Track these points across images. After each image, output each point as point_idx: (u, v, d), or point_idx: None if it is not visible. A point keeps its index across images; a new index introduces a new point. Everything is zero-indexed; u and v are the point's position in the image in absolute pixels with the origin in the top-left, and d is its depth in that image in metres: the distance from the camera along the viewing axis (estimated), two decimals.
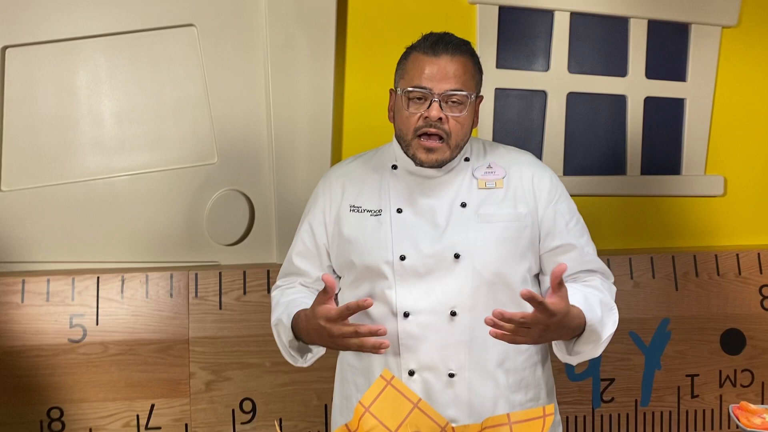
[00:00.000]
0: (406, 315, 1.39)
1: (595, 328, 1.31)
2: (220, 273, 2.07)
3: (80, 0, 2.08)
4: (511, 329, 1.21)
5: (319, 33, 2.12)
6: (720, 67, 2.36)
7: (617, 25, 2.31)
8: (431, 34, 1.43)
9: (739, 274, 2.24)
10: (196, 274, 2.05)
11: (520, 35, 2.27)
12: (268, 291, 2.05)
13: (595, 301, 1.36)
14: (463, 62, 1.40)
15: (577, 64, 2.30)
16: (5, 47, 2.08)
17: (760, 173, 2.40)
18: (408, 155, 1.44)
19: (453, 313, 1.38)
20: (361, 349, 1.27)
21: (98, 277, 2.03)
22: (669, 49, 2.34)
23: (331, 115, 2.15)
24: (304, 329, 1.35)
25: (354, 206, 1.48)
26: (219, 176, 2.17)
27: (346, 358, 1.52)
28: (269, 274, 2.07)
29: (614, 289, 1.45)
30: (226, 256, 2.18)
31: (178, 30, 2.13)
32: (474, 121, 1.46)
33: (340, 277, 1.52)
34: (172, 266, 2.13)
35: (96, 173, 2.15)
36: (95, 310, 2.01)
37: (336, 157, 2.21)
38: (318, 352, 1.46)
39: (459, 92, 1.38)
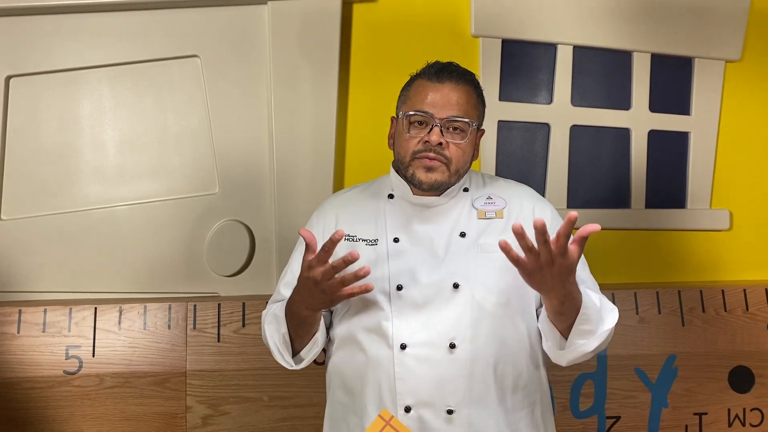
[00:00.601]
0: (402, 347, 1.35)
1: (590, 313, 1.27)
2: (219, 304, 2.04)
3: (84, 30, 2.09)
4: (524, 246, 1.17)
5: (322, 65, 2.13)
6: (724, 101, 2.35)
7: (620, 59, 2.31)
8: (436, 62, 1.43)
9: (747, 309, 2.20)
10: (195, 306, 2.03)
11: (523, 68, 2.27)
12: None
13: (595, 296, 1.33)
14: (467, 91, 1.40)
15: (580, 97, 2.30)
16: (9, 77, 2.09)
17: (766, 207, 2.38)
18: (407, 177, 1.41)
19: (452, 345, 1.34)
20: (351, 294, 1.25)
21: (96, 308, 2.00)
22: (673, 83, 2.34)
23: (334, 146, 2.15)
24: (297, 297, 1.33)
25: (349, 236, 1.45)
26: (220, 206, 2.16)
27: (336, 395, 1.47)
28: None
29: (615, 309, 1.39)
30: (225, 287, 2.16)
31: (182, 61, 2.14)
32: (474, 154, 1.45)
33: (332, 312, 1.49)
34: (170, 297, 2.10)
35: (96, 203, 2.14)
36: (92, 341, 1.98)
37: (338, 189, 2.19)
38: (310, 353, 1.42)
39: (460, 119, 1.37)
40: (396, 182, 1.48)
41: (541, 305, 1.43)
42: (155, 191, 2.15)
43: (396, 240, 1.42)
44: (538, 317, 1.43)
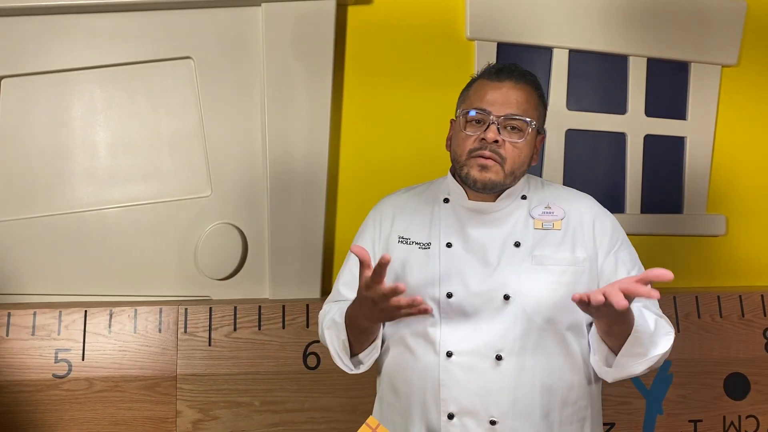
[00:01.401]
0: (449, 355, 1.33)
1: (642, 337, 1.24)
2: (210, 308, 2.02)
3: (76, 31, 2.08)
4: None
5: (317, 67, 2.11)
6: (720, 106, 2.34)
7: (616, 63, 2.30)
8: (499, 63, 1.42)
9: (743, 316, 2.19)
10: (186, 309, 2.01)
11: None
12: (259, 327, 2.01)
13: (650, 317, 1.31)
14: (527, 91, 1.37)
15: (575, 102, 2.29)
16: (0, 78, 2.07)
17: (762, 213, 2.37)
18: (462, 176, 1.38)
19: (498, 357, 1.32)
20: (409, 311, 1.22)
21: (86, 311, 1.98)
22: (669, 88, 2.33)
23: (327, 150, 2.13)
24: (358, 311, 1.31)
25: (403, 237, 1.43)
26: (212, 209, 2.14)
27: (385, 394, 1.46)
28: (260, 311, 2.03)
29: (672, 332, 1.36)
30: (217, 290, 2.14)
31: (175, 62, 2.12)
32: (534, 158, 1.42)
33: None
34: (161, 300, 2.09)
35: (87, 205, 2.12)
36: (81, 344, 1.96)
37: (331, 193, 2.18)
38: (369, 358, 1.41)
39: (519, 117, 1.34)
40: (452, 186, 1.45)
41: (592, 321, 1.39)
42: (147, 194, 2.14)
43: (449, 245, 1.39)
44: (588, 331, 1.40)
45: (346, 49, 2.19)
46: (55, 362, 1.94)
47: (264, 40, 2.10)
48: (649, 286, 1.15)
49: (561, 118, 2.27)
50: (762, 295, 2.21)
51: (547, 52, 2.26)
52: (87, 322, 1.97)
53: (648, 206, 2.33)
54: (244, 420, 1.98)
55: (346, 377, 1.41)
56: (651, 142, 2.32)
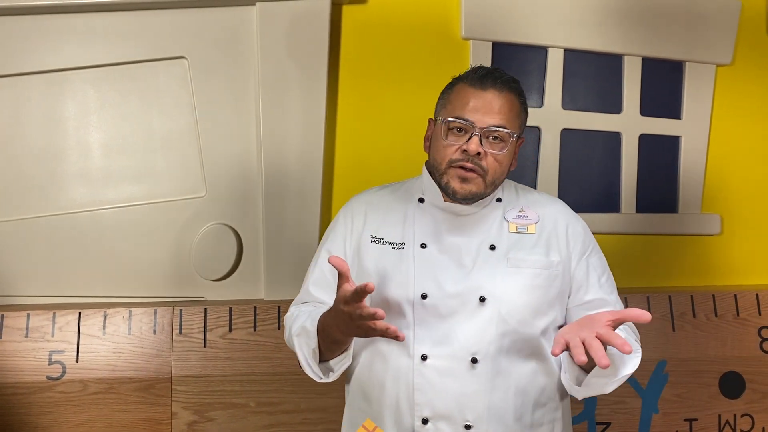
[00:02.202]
0: (423, 358, 1.31)
1: (613, 359, 1.24)
2: (205, 309, 2.01)
3: (69, 31, 2.07)
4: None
5: (311, 67, 2.10)
6: (715, 105, 2.34)
7: (611, 63, 2.30)
8: (480, 67, 1.39)
9: (738, 315, 2.19)
10: (181, 310, 2.00)
11: (514, 71, 2.21)
12: (255, 328, 2.00)
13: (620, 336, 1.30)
14: (510, 99, 1.35)
15: (571, 101, 2.28)
16: None
17: (756, 212, 2.37)
18: (441, 185, 1.37)
19: (474, 360, 1.30)
20: (383, 334, 1.19)
21: (80, 313, 1.97)
22: (664, 87, 2.33)
23: (322, 150, 2.12)
24: (332, 323, 1.26)
25: (375, 237, 1.41)
26: (207, 210, 2.13)
27: (355, 401, 1.43)
28: (256, 311, 2.02)
29: (638, 347, 1.37)
30: (212, 291, 2.13)
31: (169, 62, 2.11)
32: (513, 163, 1.41)
33: None
34: (156, 301, 2.08)
35: (81, 205, 2.11)
36: (76, 346, 1.95)
37: (327, 193, 2.17)
38: (340, 366, 1.35)
39: (502, 129, 1.32)
40: (428, 185, 1.43)
41: (565, 323, 1.40)
42: (141, 194, 2.13)
43: (423, 246, 1.37)
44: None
45: (340, 48, 2.18)
46: (49, 364, 1.93)
47: (258, 40, 2.09)
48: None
49: (556, 117, 2.27)
50: (757, 294, 2.21)
51: (542, 51, 2.26)
52: (81, 323, 1.96)
53: (643, 206, 2.33)
54: (239, 421, 1.97)
55: (341, 378, 1.40)
56: (646, 141, 2.32)
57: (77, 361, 1.94)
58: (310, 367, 1.35)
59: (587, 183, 2.31)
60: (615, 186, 2.32)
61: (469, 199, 1.37)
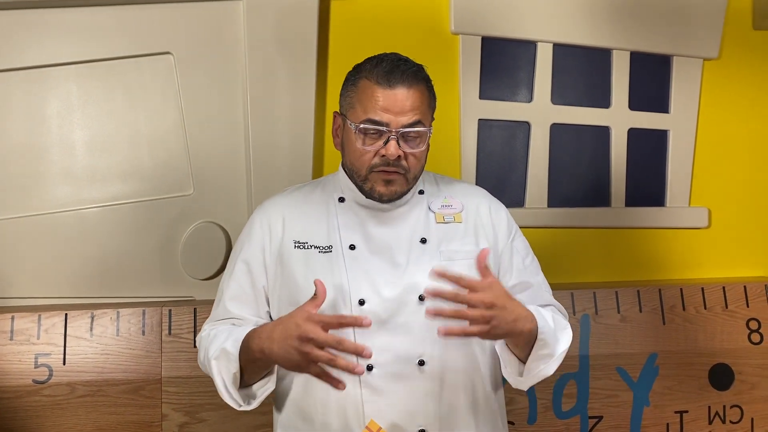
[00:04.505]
0: (369, 368, 1.26)
1: (547, 338, 1.24)
2: (194, 309, 1.98)
3: (51, 26, 2.02)
4: (454, 314, 1.12)
5: (300, 62, 2.08)
6: (702, 99, 2.36)
7: (600, 57, 2.30)
8: (383, 58, 1.33)
9: (726, 307, 2.21)
10: (170, 311, 1.97)
11: (504, 66, 2.25)
12: None
13: (547, 315, 1.29)
14: (420, 92, 1.30)
15: (560, 96, 2.28)
16: None
17: (743, 205, 2.39)
18: (364, 189, 1.33)
19: (421, 363, 1.27)
20: (330, 364, 1.10)
21: (66, 314, 1.93)
22: (651, 81, 2.34)
23: (312, 145, 2.10)
24: (266, 338, 1.16)
25: (299, 242, 1.34)
26: (195, 208, 2.10)
27: (290, 423, 1.35)
28: None
29: (568, 325, 1.37)
30: (201, 290, 2.10)
31: (154, 58, 2.07)
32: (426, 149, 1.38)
33: None
34: (144, 302, 2.04)
35: (65, 205, 2.07)
36: (62, 348, 1.92)
37: None
38: (264, 391, 1.28)
39: (418, 127, 1.28)
40: (346, 183, 1.38)
41: None
42: (127, 193, 2.09)
43: (352, 247, 1.32)
44: None
45: (329, 43, 2.16)
46: (35, 367, 1.89)
47: (245, 35, 2.06)
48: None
49: (546, 112, 2.27)
50: (745, 286, 2.23)
51: (531, 46, 2.25)
52: (68, 325, 1.93)
53: (632, 199, 2.34)
54: (231, 422, 1.95)
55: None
56: (635, 135, 2.33)
57: (64, 364, 1.91)
58: (230, 394, 1.26)
59: (577, 177, 2.31)
60: (604, 180, 2.33)
61: (396, 199, 1.34)
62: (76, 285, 2.06)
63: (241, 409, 1.29)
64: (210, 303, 1.99)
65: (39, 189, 2.06)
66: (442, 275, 1.12)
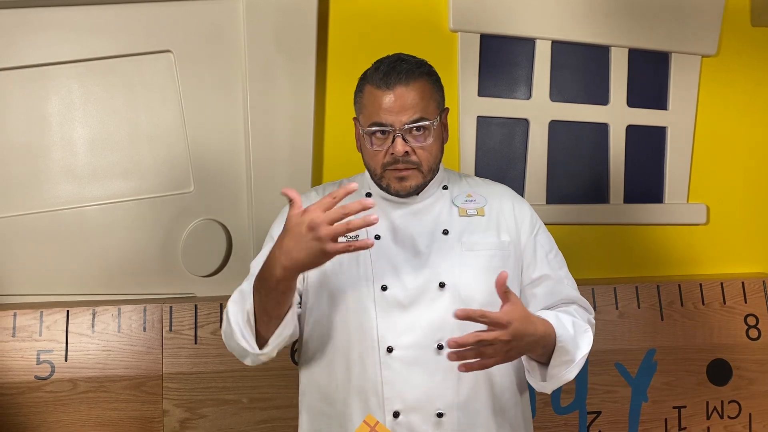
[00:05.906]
0: (389, 350, 1.31)
1: (567, 345, 1.26)
2: (195, 305, 1.99)
3: (53, 25, 2.03)
4: (474, 354, 1.14)
5: (299, 59, 2.09)
6: (700, 96, 2.36)
7: (598, 54, 2.30)
8: (383, 61, 1.37)
9: (724, 303, 2.22)
10: (171, 307, 1.98)
11: (502, 63, 2.26)
12: None
13: (567, 321, 1.31)
14: (420, 87, 1.34)
15: (558, 93, 2.29)
16: None
17: (742, 201, 2.40)
18: (381, 187, 1.40)
19: (440, 347, 1.31)
20: (347, 250, 1.12)
21: (68, 311, 1.94)
22: (650, 78, 2.34)
23: (311, 143, 2.11)
24: (275, 253, 1.17)
25: None
26: (195, 205, 2.11)
27: (314, 405, 1.40)
28: None
29: (593, 321, 1.40)
30: (202, 287, 2.11)
31: (155, 56, 2.08)
32: (444, 137, 1.42)
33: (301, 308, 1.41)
34: (145, 299, 2.05)
35: (67, 203, 2.08)
36: (64, 345, 1.93)
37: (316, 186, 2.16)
38: (279, 337, 1.26)
39: (421, 122, 1.33)
40: (370, 182, 1.45)
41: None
42: (128, 190, 2.10)
43: (377, 237, 1.38)
44: None
45: (328, 41, 2.17)
46: (37, 364, 1.91)
47: (245, 33, 2.06)
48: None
49: (544, 109, 2.27)
50: (743, 282, 2.24)
51: (530, 43, 2.26)
52: (69, 322, 1.94)
53: (630, 196, 2.34)
54: (232, 417, 1.97)
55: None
56: (633, 132, 2.34)
57: (66, 360, 1.92)
58: (243, 336, 1.25)
59: (575, 174, 2.32)
60: (603, 177, 2.33)
61: (414, 193, 1.39)
62: (77, 282, 2.07)
63: (255, 353, 1.27)
64: (210, 300, 2.03)
65: (40, 187, 2.07)
66: (466, 317, 1.13)
